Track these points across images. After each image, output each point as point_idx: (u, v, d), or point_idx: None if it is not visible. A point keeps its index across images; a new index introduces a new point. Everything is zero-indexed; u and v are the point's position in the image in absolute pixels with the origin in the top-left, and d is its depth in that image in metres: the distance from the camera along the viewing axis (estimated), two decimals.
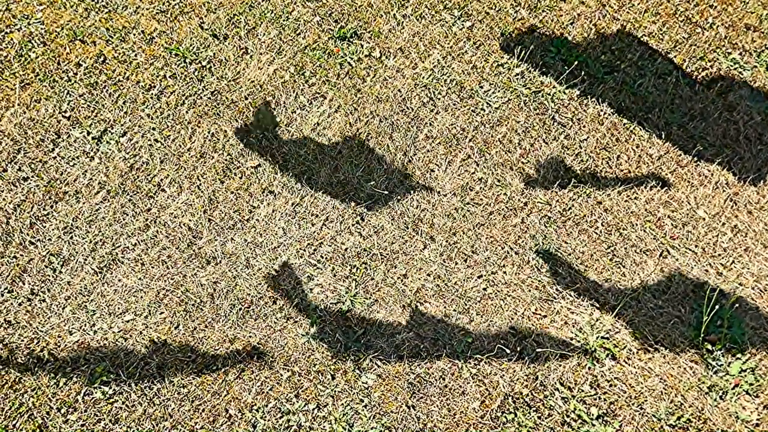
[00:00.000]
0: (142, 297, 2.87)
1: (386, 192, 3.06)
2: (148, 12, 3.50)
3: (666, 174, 3.07)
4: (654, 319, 2.79)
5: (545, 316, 2.82)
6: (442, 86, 3.29)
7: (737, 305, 2.77)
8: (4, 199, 3.05)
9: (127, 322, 2.82)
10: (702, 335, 2.73)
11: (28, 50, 3.39)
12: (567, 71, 3.29)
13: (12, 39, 3.43)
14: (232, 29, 3.45)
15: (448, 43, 3.40)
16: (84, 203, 3.04)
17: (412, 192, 3.07)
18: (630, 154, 3.12)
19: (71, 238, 2.97)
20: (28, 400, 2.68)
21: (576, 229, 2.97)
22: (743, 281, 2.84)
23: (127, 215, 3.02)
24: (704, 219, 2.98)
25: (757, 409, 2.62)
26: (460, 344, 2.77)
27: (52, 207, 3.03)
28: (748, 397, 2.64)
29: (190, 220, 3.01)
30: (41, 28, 3.45)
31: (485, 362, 2.74)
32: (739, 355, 2.70)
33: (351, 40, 3.42)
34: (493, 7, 3.48)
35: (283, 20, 3.47)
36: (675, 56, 3.33)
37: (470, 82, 3.30)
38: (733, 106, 3.20)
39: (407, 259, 2.93)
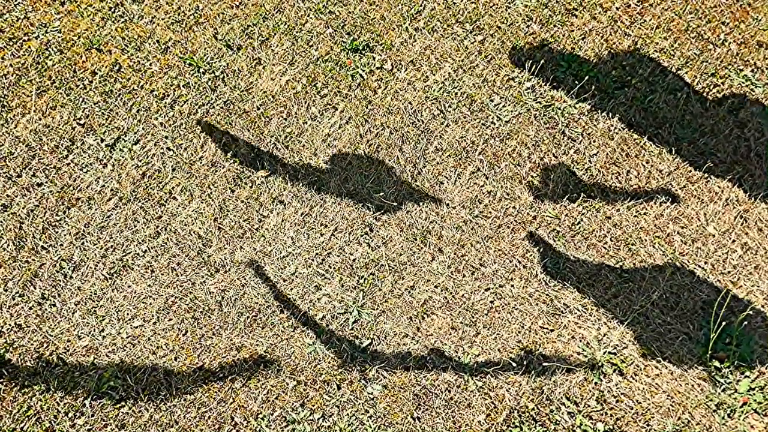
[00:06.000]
0: (151, 303, 2.89)
1: (395, 203, 3.08)
2: (163, 22, 3.54)
3: (676, 190, 3.06)
4: (662, 335, 2.78)
5: (552, 330, 2.81)
6: (452, 99, 3.31)
7: (746, 323, 2.75)
8: (17, 204, 3.09)
9: (136, 328, 2.84)
10: (710, 352, 2.71)
11: (45, 58, 3.45)
12: (578, 86, 3.30)
13: (29, 47, 3.48)
14: (246, 40, 3.49)
15: (460, 57, 3.42)
16: (96, 209, 3.07)
17: (421, 204, 3.08)
18: (640, 169, 3.11)
19: (83, 243, 3.00)
20: (36, 403, 2.70)
21: (584, 243, 2.97)
22: (753, 299, 2.82)
23: (138, 222, 3.05)
24: (714, 235, 2.96)
25: (765, 428, 2.60)
26: (466, 357, 2.77)
27: (64, 213, 3.07)
28: (756, 416, 2.62)
29: (200, 228, 3.04)
30: (58, 37, 3.51)
31: (491, 375, 2.73)
32: (747, 373, 2.68)
33: (363, 52, 3.44)
34: (505, 22, 3.50)
35: (296, 32, 3.50)
36: (686, 72, 3.33)
37: (481, 96, 3.31)
38: (744, 123, 3.19)
39: (415, 271, 2.94)
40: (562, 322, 2.82)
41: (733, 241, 2.95)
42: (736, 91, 3.27)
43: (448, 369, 2.75)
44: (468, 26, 3.50)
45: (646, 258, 2.93)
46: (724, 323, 2.72)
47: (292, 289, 2.91)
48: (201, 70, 3.41)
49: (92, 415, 2.68)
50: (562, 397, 2.69)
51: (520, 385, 2.72)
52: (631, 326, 2.80)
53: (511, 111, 3.27)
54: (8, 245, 3.00)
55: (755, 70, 3.32)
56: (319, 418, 2.67)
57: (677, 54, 3.38)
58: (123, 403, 2.71)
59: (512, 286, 2.90)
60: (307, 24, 3.53)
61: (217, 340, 2.82)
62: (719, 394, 2.66)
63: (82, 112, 3.30)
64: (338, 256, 2.98)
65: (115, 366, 2.77)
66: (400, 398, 2.71)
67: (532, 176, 3.13)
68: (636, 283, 2.88)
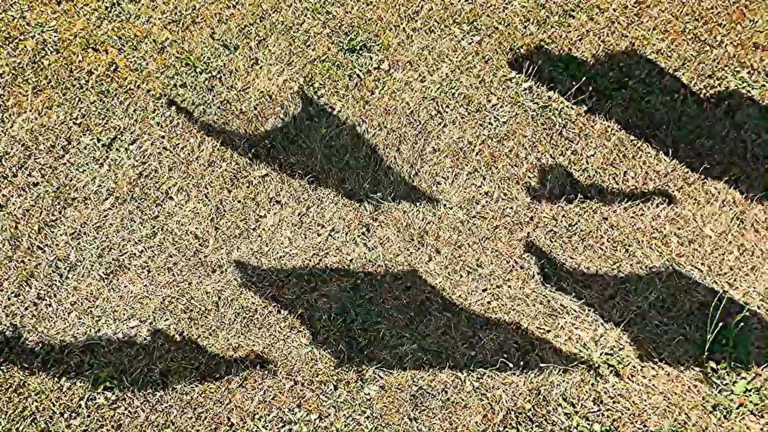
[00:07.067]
0: (147, 303, 2.88)
1: (393, 204, 3.07)
2: (160, 21, 3.54)
3: (673, 191, 3.07)
4: (658, 337, 2.78)
5: (549, 331, 2.81)
6: (450, 99, 3.31)
7: (743, 324, 2.75)
8: (13, 204, 3.07)
9: (132, 328, 2.83)
10: (706, 354, 2.72)
11: (41, 57, 3.44)
12: (575, 87, 3.30)
13: (26, 46, 3.47)
14: (243, 40, 3.48)
15: (457, 57, 3.42)
16: (92, 209, 3.07)
17: (418, 204, 3.08)
18: (637, 170, 3.12)
19: (79, 243, 2.99)
20: (32, 403, 2.69)
21: (581, 244, 2.97)
22: (749, 300, 2.83)
23: (135, 222, 3.04)
24: (710, 237, 2.97)
25: (761, 429, 2.60)
26: (463, 357, 2.77)
27: (60, 212, 3.06)
28: (752, 417, 2.62)
29: (196, 228, 3.03)
30: (54, 36, 3.49)
31: (488, 376, 2.73)
32: (743, 375, 2.68)
33: (360, 52, 3.44)
34: (502, 23, 3.50)
35: (294, 32, 3.50)
36: (683, 74, 3.33)
37: (478, 96, 3.31)
38: (740, 125, 3.20)
39: (412, 271, 2.93)
40: (559, 323, 2.82)
41: (730, 242, 2.95)
42: (733, 93, 3.28)
43: (444, 369, 2.75)
44: (465, 27, 3.50)
45: (643, 259, 2.93)
46: (720, 325, 2.72)
47: (288, 289, 2.91)
48: (198, 70, 3.40)
49: (88, 416, 2.68)
50: (558, 398, 2.69)
51: (517, 385, 2.72)
52: (628, 327, 2.80)
53: (509, 112, 3.27)
54: (4, 245, 2.99)
55: (752, 71, 3.33)
56: (315, 419, 2.67)
57: (674, 55, 3.38)
58: (119, 404, 2.70)
59: (509, 286, 2.90)
60: (305, 24, 3.53)
61: (213, 340, 2.81)
62: (716, 395, 2.66)
63: (79, 111, 3.29)
64: (335, 256, 2.97)
65: (111, 366, 2.76)
66: (397, 399, 2.70)
67: (529, 177, 3.13)
68: (633, 284, 2.89)
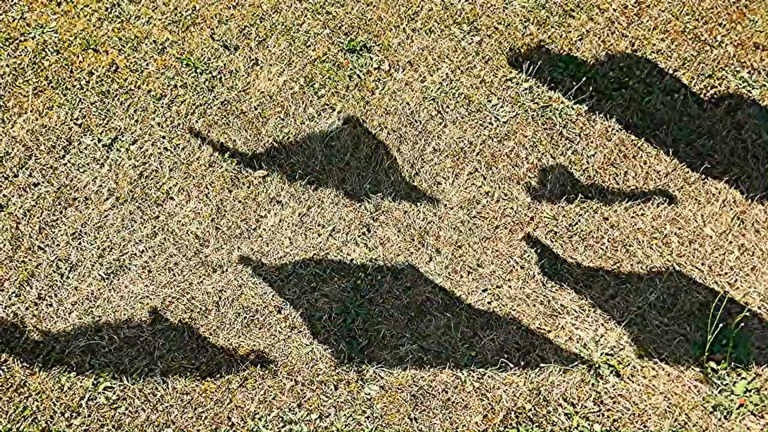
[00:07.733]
0: (148, 304, 2.88)
1: (393, 204, 3.08)
2: (160, 22, 3.54)
3: (673, 191, 3.07)
4: (659, 337, 2.78)
5: (549, 331, 2.81)
6: (450, 100, 3.31)
7: (743, 324, 2.75)
8: (14, 204, 3.08)
9: (133, 328, 2.84)
10: (707, 354, 2.72)
11: (42, 58, 3.44)
12: (575, 87, 3.30)
13: (26, 47, 3.47)
14: (243, 40, 3.49)
15: (457, 58, 3.42)
16: (93, 209, 3.07)
17: (418, 204, 3.08)
18: (637, 170, 3.12)
19: (79, 243, 3.00)
20: (32, 403, 2.69)
21: (582, 244, 2.97)
22: (749, 300, 2.83)
23: (135, 222, 3.05)
24: (711, 237, 2.97)
25: (762, 430, 2.60)
26: (463, 357, 2.77)
27: (61, 213, 3.06)
28: (753, 417, 2.62)
29: (197, 228, 3.03)
30: (55, 37, 3.50)
31: (488, 376, 2.73)
32: (744, 375, 2.68)
33: (360, 52, 3.44)
34: (502, 23, 3.50)
35: (294, 32, 3.50)
36: (683, 74, 3.33)
37: (478, 96, 3.31)
38: (741, 125, 3.20)
39: (413, 271, 2.94)
40: (559, 323, 2.82)
41: (730, 242, 2.95)
42: (733, 93, 3.28)
43: (445, 369, 2.75)
44: (465, 27, 3.50)
45: (644, 259, 2.93)
46: (720, 325, 2.72)
47: (289, 289, 2.91)
48: (198, 71, 3.40)
49: (89, 415, 2.68)
50: (559, 398, 2.69)
51: (518, 386, 2.72)
52: (629, 327, 2.80)
53: (509, 112, 3.27)
54: (5, 245, 2.99)
55: (752, 71, 3.33)
56: (316, 419, 2.67)
57: (674, 55, 3.38)
58: (120, 404, 2.70)
59: (510, 287, 2.90)
60: (305, 24, 3.53)
61: (214, 340, 2.82)
62: (716, 395, 2.66)
63: (79, 112, 3.30)
64: (336, 256, 2.98)
65: (111, 366, 2.76)
66: (398, 399, 2.71)
67: (529, 177, 3.13)
68: (633, 284, 2.89)
